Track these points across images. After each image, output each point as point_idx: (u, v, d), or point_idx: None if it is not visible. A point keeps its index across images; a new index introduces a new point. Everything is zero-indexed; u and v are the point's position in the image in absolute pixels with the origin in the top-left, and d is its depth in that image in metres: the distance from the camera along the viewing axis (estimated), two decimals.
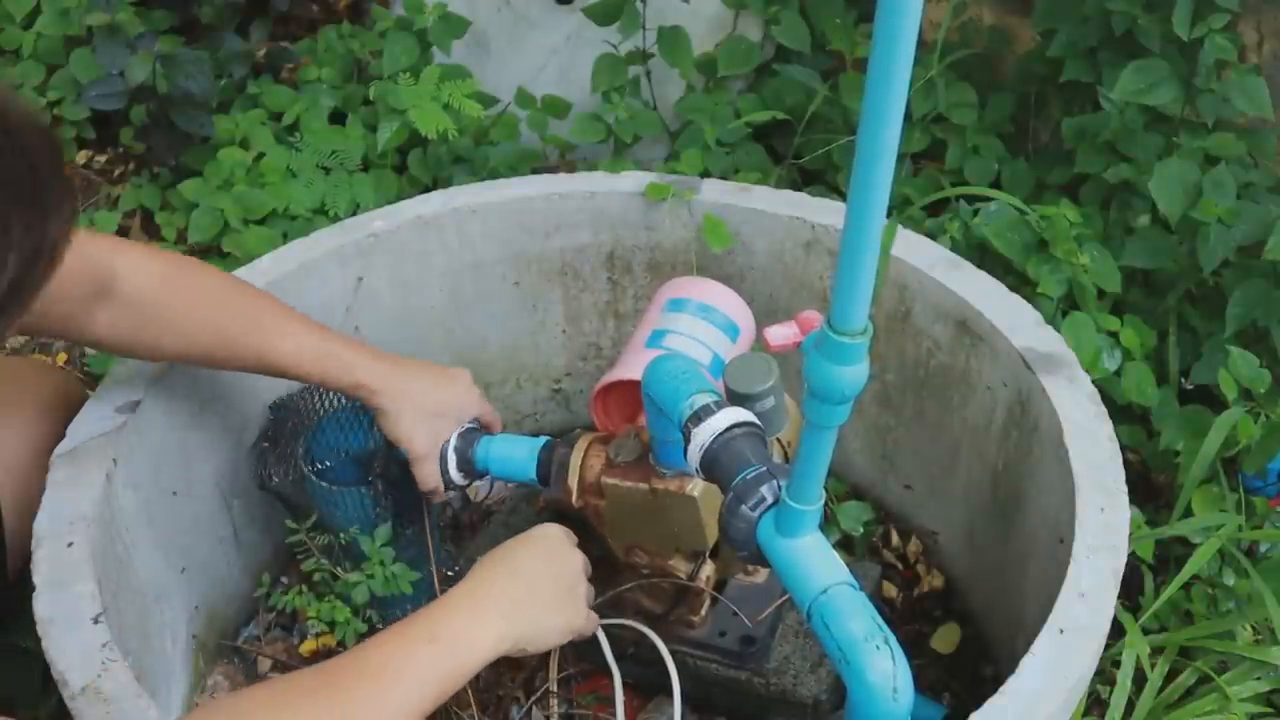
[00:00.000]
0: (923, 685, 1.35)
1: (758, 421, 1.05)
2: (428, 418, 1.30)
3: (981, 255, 1.57)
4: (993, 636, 1.50)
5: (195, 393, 1.39)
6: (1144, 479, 1.64)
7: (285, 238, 1.92)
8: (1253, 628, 1.43)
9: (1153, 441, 1.58)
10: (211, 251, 1.99)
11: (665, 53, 2.02)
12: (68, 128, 2.19)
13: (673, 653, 1.25)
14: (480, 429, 1.35)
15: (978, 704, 1.02)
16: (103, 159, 2.30)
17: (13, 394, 1.35)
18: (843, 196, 1.16)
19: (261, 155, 2.04)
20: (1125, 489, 1.19)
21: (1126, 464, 1.22)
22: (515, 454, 1.31)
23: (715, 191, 1.58)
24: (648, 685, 1.35)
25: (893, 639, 0.93)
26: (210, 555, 1.46)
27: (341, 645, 1.39)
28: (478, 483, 1.38)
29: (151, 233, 2.12)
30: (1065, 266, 1.55)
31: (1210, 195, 1.57)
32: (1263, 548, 1.51)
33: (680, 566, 1.27)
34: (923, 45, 1.89)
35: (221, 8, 2.20)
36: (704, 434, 1.03)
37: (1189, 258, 1.61)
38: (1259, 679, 1.38)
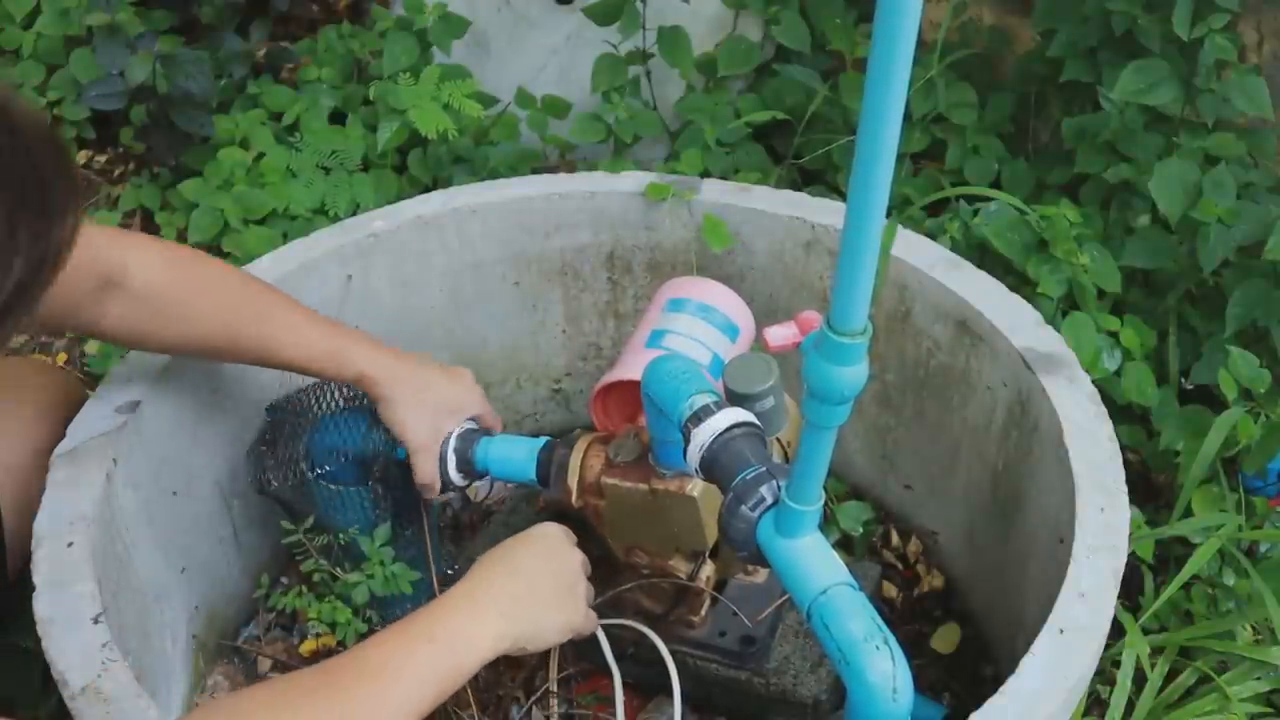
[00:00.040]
0: (923, 685, 1.35)
1: (757, 422, 1.05)
2: (428, 410, 1.30)
3: (981, 255, 1.57)
4: (993, 636, 1.50)
5: (196, 393, 1.39)
6: (1144, 479, 1.64)
7: (285, 238, 1.92)
8: (1253, 628, 1.43)
9: (1153, 441, 1.58)
10: (211, 251, 1.97)
11: (665, 53, 2.02)
12: (68, 128, 2.19)
13: (673, 653, 1.25)
14: (480, 430, 1.35)
15: (978, 704, 1.01)
16: (103, 159, 2.30)
17: (13, 394, 1.35)
18: (843, 196, 1.16)
19: (261, 155, 2.04)
20: (1125, 489, 1.19)
21: (1126, 464, 1.22)
22: (515, 454, 1.31)
23: (715, 191, 1.58)
24: (648, 685, 1.35)
25: (892, 639, 0.93)
26: (210, 555, 1.46)
27: (341, 645, 1.39)
28: (477, 483, 1.38)
29: (151, 233, 2.12)
30: (1065, 266, 1.54)
31: (1210, 195, 1.57)
32: (1263, 548, 1.50)
33: (680, 566, 1.27)
34: (923, 45, 1.89)
35: (221, 8, 2.20)
36: (704, 434, 1.03)
37: (1189, 258, 1.61)
38: (1259, 679, 1.38)
